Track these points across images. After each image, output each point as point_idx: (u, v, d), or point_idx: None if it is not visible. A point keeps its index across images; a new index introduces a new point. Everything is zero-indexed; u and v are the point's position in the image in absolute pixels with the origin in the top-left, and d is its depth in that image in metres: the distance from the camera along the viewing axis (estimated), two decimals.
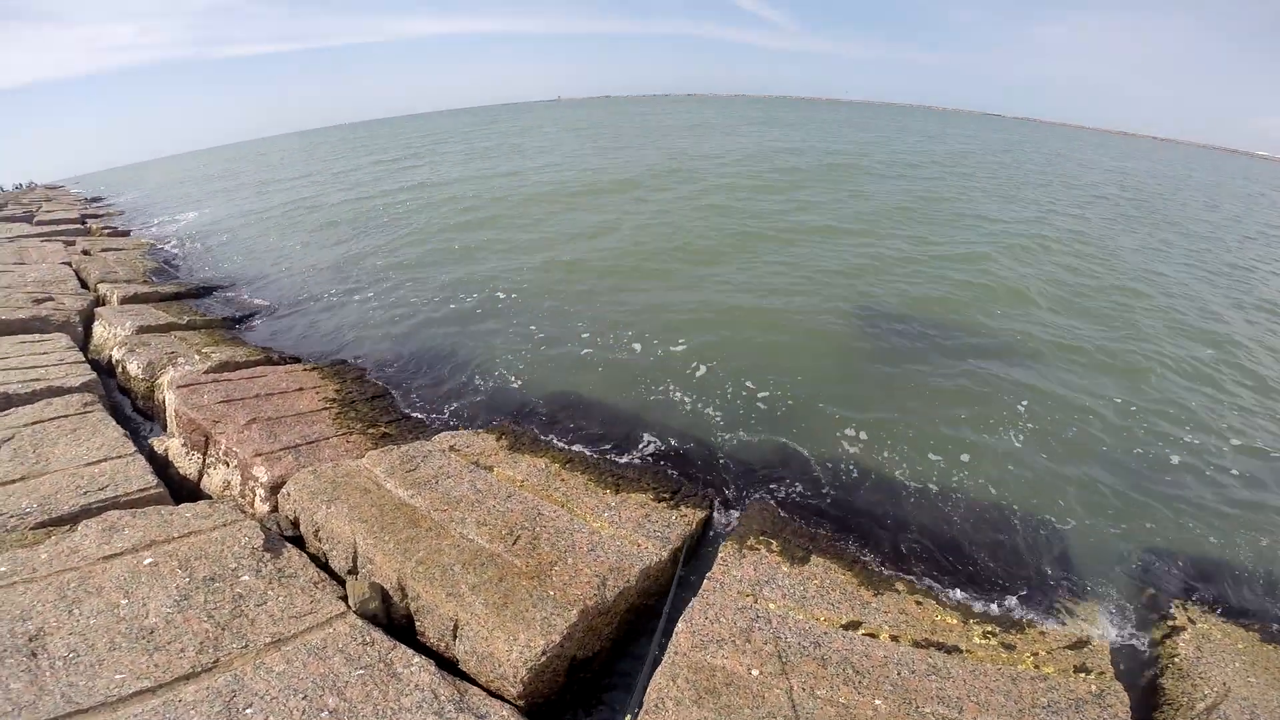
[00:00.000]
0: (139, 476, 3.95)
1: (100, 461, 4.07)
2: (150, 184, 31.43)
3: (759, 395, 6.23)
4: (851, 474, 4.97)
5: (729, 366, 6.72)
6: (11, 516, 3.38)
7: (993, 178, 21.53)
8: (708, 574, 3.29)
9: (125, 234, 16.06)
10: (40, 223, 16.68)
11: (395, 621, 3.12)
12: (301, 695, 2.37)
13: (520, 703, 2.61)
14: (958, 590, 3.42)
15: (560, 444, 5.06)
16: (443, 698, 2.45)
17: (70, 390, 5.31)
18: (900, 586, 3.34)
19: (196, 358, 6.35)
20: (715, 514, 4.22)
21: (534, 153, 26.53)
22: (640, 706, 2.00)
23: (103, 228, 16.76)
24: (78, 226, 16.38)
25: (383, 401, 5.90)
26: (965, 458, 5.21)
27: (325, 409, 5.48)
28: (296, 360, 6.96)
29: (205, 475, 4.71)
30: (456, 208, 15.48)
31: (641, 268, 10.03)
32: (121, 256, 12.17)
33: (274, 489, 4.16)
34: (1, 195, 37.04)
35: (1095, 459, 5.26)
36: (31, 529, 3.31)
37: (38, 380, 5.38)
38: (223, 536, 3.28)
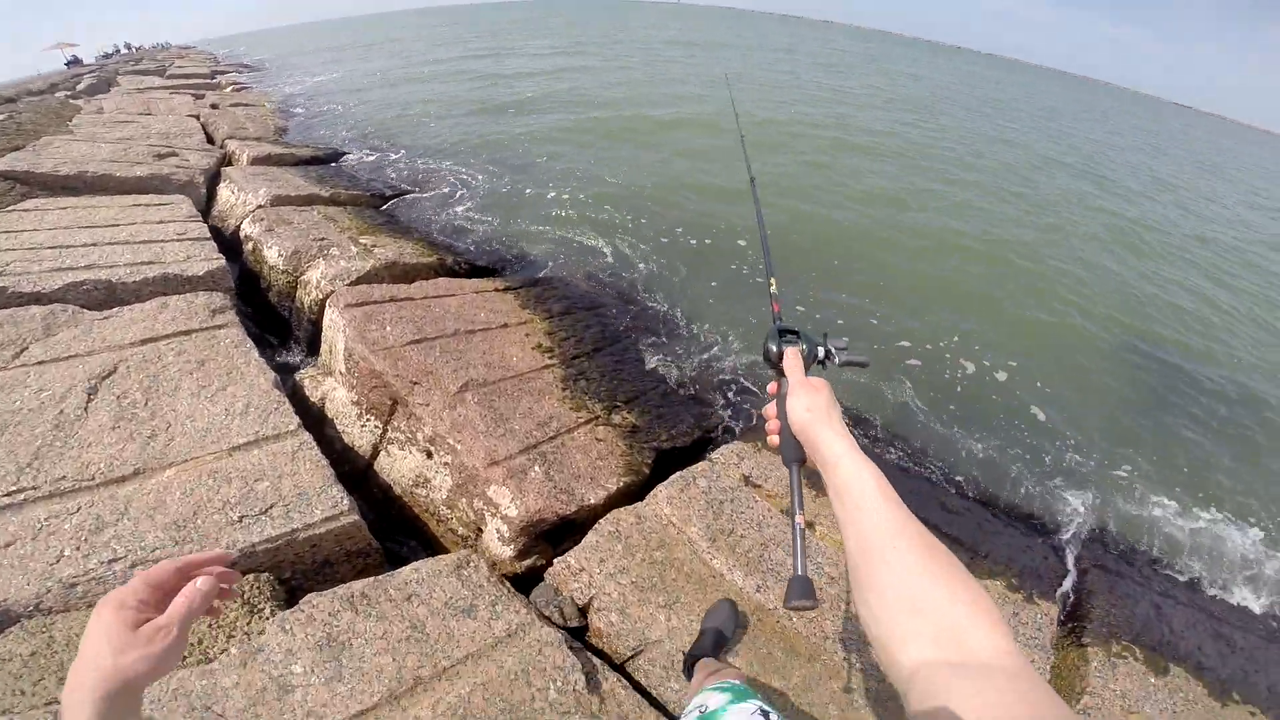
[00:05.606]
0: (321, 494, 2.10)
1: (245, 446, 2.24)
2: (279, 48, 30.04)
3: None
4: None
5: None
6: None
7: None
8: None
9: (256, 90, 14.67)
10: (172, 76, 15.57)
11: None
12: None
13: None
14: None
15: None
16: None
17: (193, 282, 3.58)
18: None
19: (354, 250, 4.49)
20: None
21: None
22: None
23: (233, 83, 15.44)
24: (207, 81, 15.13)
25: (612, 360, 3.83)
26: None
27: (546, 367, 3.46)
28: (484, 272, 5.02)
29: (383, 453, 2.89)
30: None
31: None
32: (252, 113, 10.59)
33: (527, 534, 2.23)
34: (139, 51, 37.33)
35: None
36: None
37: (150, 263, 3.67)
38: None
